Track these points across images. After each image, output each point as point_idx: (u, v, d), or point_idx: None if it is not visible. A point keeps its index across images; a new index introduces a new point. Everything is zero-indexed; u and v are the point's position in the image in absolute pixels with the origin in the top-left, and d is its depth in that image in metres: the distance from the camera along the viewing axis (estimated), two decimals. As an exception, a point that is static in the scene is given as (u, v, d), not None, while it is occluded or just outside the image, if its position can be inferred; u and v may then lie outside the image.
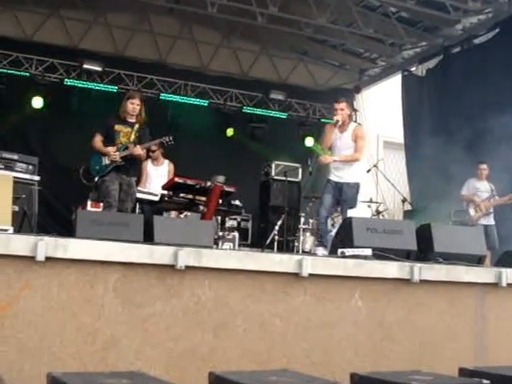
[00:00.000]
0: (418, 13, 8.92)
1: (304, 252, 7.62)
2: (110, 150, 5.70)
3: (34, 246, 2.96)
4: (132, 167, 5.90)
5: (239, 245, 8.32)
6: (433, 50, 9.84)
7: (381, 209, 8.68)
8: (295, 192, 9.66)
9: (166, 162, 7.44)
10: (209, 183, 6.18)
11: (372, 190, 10.28)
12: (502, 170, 7.30)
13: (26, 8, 9.60)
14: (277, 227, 8.07)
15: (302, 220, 7.99)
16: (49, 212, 8.84)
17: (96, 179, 5.84)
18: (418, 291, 3.77)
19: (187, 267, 3.21)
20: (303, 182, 9.83)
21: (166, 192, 6.26)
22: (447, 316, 3.85)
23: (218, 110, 10.72)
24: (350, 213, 5.42)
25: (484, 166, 7.69)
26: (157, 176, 7.18)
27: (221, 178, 6.31)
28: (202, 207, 6.23)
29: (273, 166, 9.83)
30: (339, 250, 4.03)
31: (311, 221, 8.08)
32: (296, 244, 8.03)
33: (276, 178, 9.72)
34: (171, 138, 6.04)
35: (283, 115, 11.10)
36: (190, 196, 6.23)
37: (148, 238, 3.96)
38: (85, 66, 9.67)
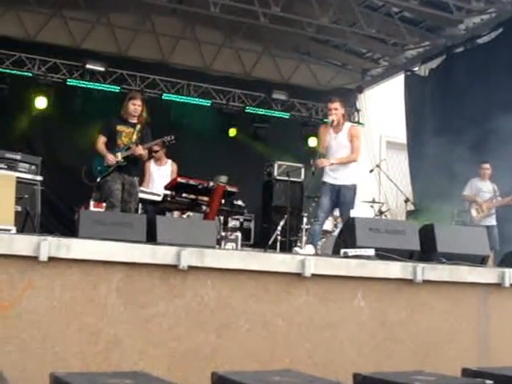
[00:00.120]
0: (420, 13, 8.90)
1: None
2: (109, 157, 5.69)
3: (36, 246, 2.96)
4: (134, 167, 5.91)
5: (242, 245, 8.32)
6: (436, 50, 9.83)
7: (383, 209, 8.66)
8: (298, 192, 9.65)
9: (169, 162, 7.43)
10: (211, 183, 6.18)
11: (374, 190, 10.28)
12: (505, 170, 7.28)
13: (29, 8, 9.61)
14: (279, 227, 8.07)
15: (305, 220, 7.97)
16: (51, 212, 8.84)
17: (98, 179, 5.85)
18: (421, 291, 3.76)
19: (190, 267, 3.21)
20: (306, 182, 9.82)
21: (168, 192, 6.26)
22: (450, 316, 3.85)
23: (221, 110, 10.72)
24: (353, 213, 5.40)
25: (487, 166, 7.67)
26: (160, 176, 7.18)
27: (223, 178, 6.32)
28: (204, 207, 6.23)
29: (275, 166, 9.83)
30: (342, 250, 4.02)
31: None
32: (299, 244, 8.01)
33: (278, 178, 9.72)
34: (173, 138, 6.04)
35: (286, 115, 11.09)
36: (193, 196, 6.23)
37: (151, 238, 3.97)
38: (87, 66, 9.68)
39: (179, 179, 6.25)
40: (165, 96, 10.29)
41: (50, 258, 2.98)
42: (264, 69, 11.22)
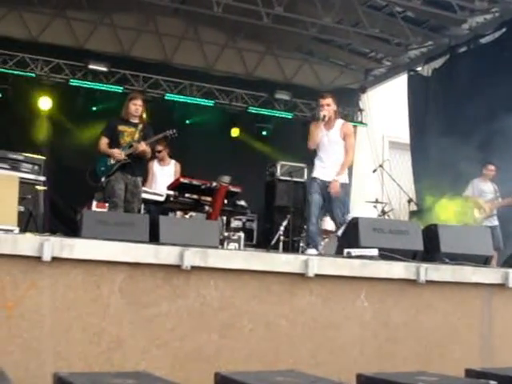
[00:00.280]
0: (424, 12, 8.89)
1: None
2: (115, 151, 5.73)
3: (40, 247, 2.96)
4: (137, 167, 5.92)
5: (244, 245, 8.31)
6: (439, 49, 9.81)
7: (386, 209, 8.65)
8: (300, 192, 9.63)
9: (173, 162, 7.43)
10: (214, 183, 6.18)
11: (377, 190, 10.27)
12: (509, 171, 7.27)
13: (32, 9, 9.64)
14: (282, 227, 8.07)
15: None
16: (54, 212, 8.86)
17: (102, 179, 5.87)
18: (425, 292, 3.75)
19: (193, 267, 3.21)
20: (308, 182, 9.81)
21: (171, 192, 6.27)
22: (453, 317, 3.83)
23: (224, 110, 10.72)
24: (356, 212, 5.39)
25: (492, 168, 7.65)
26: (163, 176, 7.18)
27: (226, 179, 6.32)
28: (207, 207, 6.23)
29: (278, 166, 9.82)
30: (345, 251, 4.02)
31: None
32: (301, 244, 8.01)
33: (281, 178, 9.71)
34: (174, 131, 6.05)
35: (288, 115, 11.08)
36: (196, 196, 6.23)
37: (154, 238, 3.96)
38: (90, 66, 9.70)
39: (182, 179, 6.26)
40: (167, 96, 10.30)
41: (53, 258, 2.98)
42: (267, 69, 11.22)
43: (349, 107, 11.33)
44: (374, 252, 3.93)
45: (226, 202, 6.36)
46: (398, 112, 10.67)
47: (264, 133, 10.98)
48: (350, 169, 10.87)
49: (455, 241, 4.35)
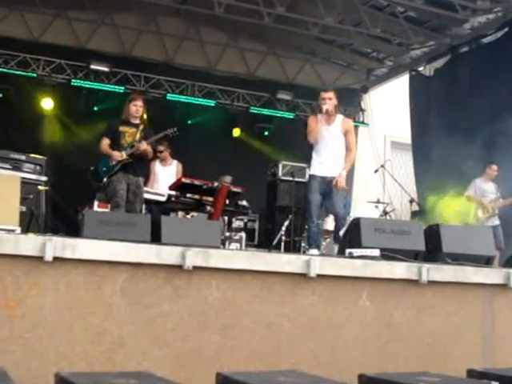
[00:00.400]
0: (425, 12, 8.88)
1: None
2: (116, 153, 5.74)
3: (42, 247, 2.96)
4: (139, 167, 5.93)
5: (246, 245, 8.31)
6: (441, 49, 9.81)
7: (388, 209, 8.65)
8: (302, 192, 9.59)
9: (175, 162, 7.44)
10: (216, 183, 6.18)
11: (379, 190, 10.26)
12: (509, 170, 7.26)
13: (34, 9, 9.64)
14: (284, 227, 8.06)
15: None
16: (56, 212, 8.87)
17: (104, 180, 5.88)
18: (426, 292, 3.74)
19: (194, 267, 3.21)
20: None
21: (173, 192, 6.27)
22: (455, 317, 3.83)
23: (225, 110, 10.73)
24: (358, 212, 5.38)
25: (495, 168, 7.65)
26: (164, 176, 7.19)
27: (228, 179, 6.31)
28: (208, 207, 6.23)
29: (280, 166, 9.82)
30: (347, 251, 4.01)
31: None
32: (303, 244, 8.01)
33: (283, 178, 9.70)
34: (175, 130, 6.05)
35: (290, 115, 11.08)
36: (197, 196, 6.23)
37: (155, 238, 3.97)
38: (92, 66, 9.71)
39: (183, 179, 6.26)
40: (169, 96, 10.30)
41: (55, 258, 2.98)
42: (268, 69, 11.21)
43: (350, 107, 11.33)
44: (376, 252, 3.92)
45: (227, 202, 6.36)
46: (400, 112, 10.67)
47: (266, 133, 10.99)
48: (352, 169, 10.89)
49: (457, 241, 4.34)
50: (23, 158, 5.94)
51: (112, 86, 9.94)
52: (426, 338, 3.72)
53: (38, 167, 6.00)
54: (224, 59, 10.98)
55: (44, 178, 6.02)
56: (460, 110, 8.79)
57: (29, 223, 5.44)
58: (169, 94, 10.31)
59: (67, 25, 10.03)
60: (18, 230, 3.95)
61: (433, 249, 4.27)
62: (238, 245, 7.84)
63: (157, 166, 7.32)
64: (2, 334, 2.88)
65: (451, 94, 9.22)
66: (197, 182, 6.16)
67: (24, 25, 9.74)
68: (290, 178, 9.06)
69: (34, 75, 9.59)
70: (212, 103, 10.58)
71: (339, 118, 5.65)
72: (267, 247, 8.08)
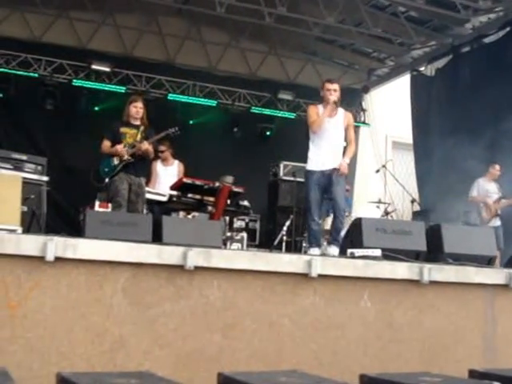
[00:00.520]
0: (427, 12, 8.87)
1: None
2: (118, 147, 5.75)
3: (43, 246, 2.96)
4: (140, 167, 5.93)
5: (247, 245, 8.31)
6: (442, 49, 9.79)
7: (389, 209, 8.64)
8: (303, 192, 9.62)
9: (176, 162, 7.43)
10: (217, 184, 6.18)
11: (380, 190, 10.25)
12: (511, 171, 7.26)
13: (35, 9, 9.64)
14: (285, 228, 8.06)
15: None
16: (57, 212, 8.87)
17: (106, 180, 5.88)
18: (428, 292, 3.74)
19: (196, 267, 3.21)
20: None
21: (174, 192, 6.27)
22: (457, 317, 3.83)
23: (227, 110, 10.72)
24: (359, 212, 5.36)
25: (498, 168, 7.65)
26: (166, 176, 7.18)
27: (229, 179, 6.31)
28: (210, 208, 6.23)
29: (281, 166, 9.80)
30: (349, 251, 4.02)
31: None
32: (304, 244, 8.00)
33: (284, 178, 9.68)
34: (177, 129, 6.05)
35: (291, 115, 11.08)
36: (199, 196, 6.23)
37: (157, 238, 3.97)
38: (93, 66, 9.71)
39: (185, 179, 6.26)
40: (170, 96, 10.30)
41: (57, 258, 2.98)
42: (270, 69, 11.21)
43: (352, 107, 11.31)
44: (378, 252, 3.93)
45: (228, 202, 6.36)
46: (401, 112, 10.66)
47: (267, 133, 10.97)
48: (353, 169, 10.90)
49: (459, 241, 4.35)
50: (24, 158, 5.93)
51: (113, 86, 9.94)
52: (427, 338, 3.71)
53: (39, 167, 5.99)
54: (225, 59, 10.97)
55: (45, 178, 6.02)
56: (461, 110, 8.78)
57: (30, 223, 5.43)
58: (170, 94, 10.31)
59: (68, 25, 10.03)
60: (20, 230, 3.95)
61: (434, 249, 4.28)
62: (239, 245, 7.84)
63: (158, 166, 7.32)
64: (3, 334, 2.88)
65: (453, 94, 9.21)
66: (198, 182, 6.15)
67: (25, 25, 9.74)
68: (292, 178, 9.04)
69: (36, 75, 9.59)
70: (213, 103, 10.57)
71: (341, 110, 5.54)
72: (268, 247, 8.07)
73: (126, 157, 5.76)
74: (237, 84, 10.79)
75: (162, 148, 7.11)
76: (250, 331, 3.30)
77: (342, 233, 5.43)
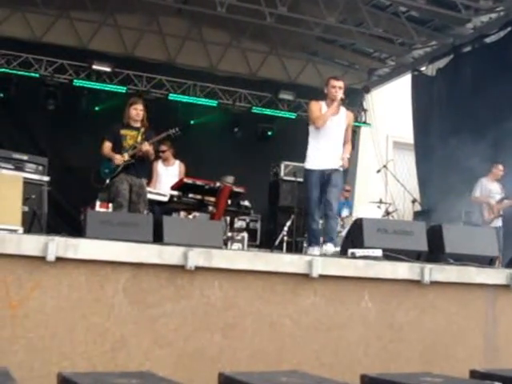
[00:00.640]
0: (428, 12, 8.87)
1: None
2: (117, 156, 5.75)
3: (44, 247, 2.97)
4: (141, 168, 5.93)
5: (248, 245, 8.31)
6: (443, 49, 9.79)
7: (390, 209, 8.64)
8: (304, 192, 9.62)
9: (177, 162, 7.43)
10: (218, 184, 6.18)
11: (381, 190, 10.25)
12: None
13: (36, 9, 9.65)
14: (286, 228, 8.06)
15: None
16: (58, 212, 8.87)
17: (107, 181, 5.88)
18: (429, 292, 3.74)
19: (197, 268, 3.21)
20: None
21: (175, 192, 6.27)
22: (458, 318, 3.82)
23: (227, 110, 10.72)
24: (360, 213, 5.34)
25: (501, 168, 7.64)
26: (167, 176, 7.18)
27: (230, 179, 6.31)
28: (211, 208, 6.22)
29: (282, 166, 9.81)
30: (349, 251, 4.01)
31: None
32: (305, 245, 8.00)
33: (285, 178, 9.69)
34: (177, 130, 6.05)
35: (292, 115, 11.07)
36: (199, 196, 6.23)
37: (157, 238, 3.96)
38: (94, 66, 9.71)
39: (186, 179, 6.26)
40: (171, 96, 10.30)
41: (58, 259, 2.98)
42: (271, 69, 11.21)
43: (352, 107, 11.30)
44: (378, 252, 3.92)
45: (229, 202, 6.36)
46: (402, 112, 10.65)
47: (268, 133, 10.97)
48: (354, 169, 10.90)
49: (460, 241, 4.34)
50: (25, 158, 5.93)
51: (114, 87, 9.95)
52: (428, 338, 3.71)
53: (40, 167, 5.99)
54: (226, 59, 10.98)
55: (46, 178, 6.02)
56: (463, 110, 8.78)
57: (31, 223, 5.43)
58: (171, 94, 10.31)
59: (69, 25, 10.04)
60: (21, 230, 3.95)
61: (435, 249, 4.27)
62: (240, 245, 7.84)
63: (159, 166, 7.32)
64: (4, 334, 2.88)
65: (454, 94, 9.21)
66: (199, 182, 6.15)
67: (26, 25, 9.75)
68: (292, 178, 9.05)
69: (37, 75, 9.60)
70: (214, 103, 10.57)
71: (343, 109, 5.48)
72: (269, 247, 8.08)
73: (126, 158, 5.76)
74: (237, 84, 10.79)
75: (164, 148, 7.11)
76: (251, 331, 3.30)
77: (343, 232, 5.42)
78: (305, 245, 7.85)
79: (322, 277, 3.45)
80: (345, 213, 8.69)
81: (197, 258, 3.21)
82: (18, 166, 5.80)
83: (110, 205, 6.10)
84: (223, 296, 3.27)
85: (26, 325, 2.92)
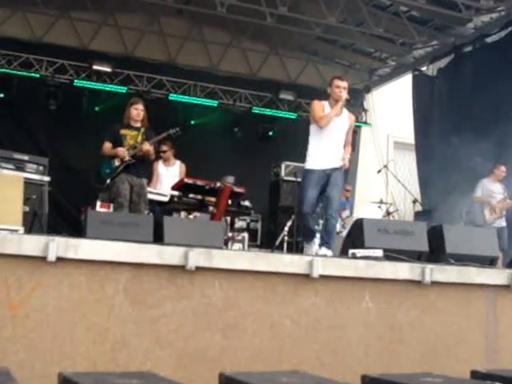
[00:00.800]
0: (429, 12, 8.86)
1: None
2: (120, 149, 5.76)
3: (45, 247, 2.97)
4: (142, 168, 5.93)
5: (248, 246, 8.31)
6: (444, 49, 9.78)
7: (391, 210, 8.64)
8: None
9: (178, 162, 7.43)
10: (218, 184, 6.18)
11: (382, 190, 10.25)
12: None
13: (36, 10, 9.64)
14: (286, 228, 8.05)
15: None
16: (58, 213, 8.88)
17: (108, 181, 5.88)
18: (430, 293, 3.74)
19: (197, 268, 3.21)
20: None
21: (175, 193, 6.27)
22: (458, 318, 3.82)
23: (228, 110, 10.72)
24: (361, 213, 5.34)
25: (503, 169, 7.62)
26: (168, 176, 7.18)
27: (230, 179, 6.31)
28: (211, 208, 6.22)
29: (282, 166, 9.80)
30: (350, 251, 4.01)
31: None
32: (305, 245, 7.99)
33: (286, 178, 9.69)
34: (178, 130, 6.05)
35: (293, 115, 11.07)
36: (200, 197, 6.22)
37: (158, 238, 3.96)
38: (94, 66, 9.71)
39: (186, 180, 6.26)
40: (171, 96, 10.30)
41: (58, 259, 2.98)
42: (271, 69, 11.21)
43: (353, 107, 11.30)
44: (379, 253, 3.92)
45: (230, 202, 6.35)
46: (403, 112, 10.65)
47: (268, 133, 10.97)
48: (354, 169, 10.90)
49: (460, 241, 4.34)
50: (26, 158, 5.93)
51: (114, 87, 9.95)
52: (429, 338, 3.71)
53: (40, 167, 5.99)
54: (226, 59, 10.97)
55: (47, 179, 6.02)
56: (463, 110, 8.77)
57: (32, 223, 5.43)
58: (171, 94, 10.31)
59: (70, 25, 10.04)
60: (21, 230, 3.95)
61: (436, 249, 4.27)
62: (240, 245, 7.83)
63: (160, 167, 7.32)
64: (5, 334, 2.88)
65: (454, 94, 9.20)
66: (199, 183, 6.15)
67: (27, 25, 9.75)
68: (293, 179, 9.04)
69: (37, 75, 9.60)
70: (214, 103, 10.57)
71: (345, 111, 5.44)
72: (270, 248, 8.07)
73: (127, 158, 5.76)
74: (238, 84, 10.79)
75: (164, 148, 7.11)
76: (252, 331, 3.30)
77: (344, 233, 5.43)
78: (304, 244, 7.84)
79: (322, 277, 3.45)
80: (345, 213, 8.70)
81: (197, 258, 3.21)
82: (19, 166, 5.81)
83: (111, 205, 6.09)
84: (224, 296, 3.27)
85: (27, 325, 2.92)
